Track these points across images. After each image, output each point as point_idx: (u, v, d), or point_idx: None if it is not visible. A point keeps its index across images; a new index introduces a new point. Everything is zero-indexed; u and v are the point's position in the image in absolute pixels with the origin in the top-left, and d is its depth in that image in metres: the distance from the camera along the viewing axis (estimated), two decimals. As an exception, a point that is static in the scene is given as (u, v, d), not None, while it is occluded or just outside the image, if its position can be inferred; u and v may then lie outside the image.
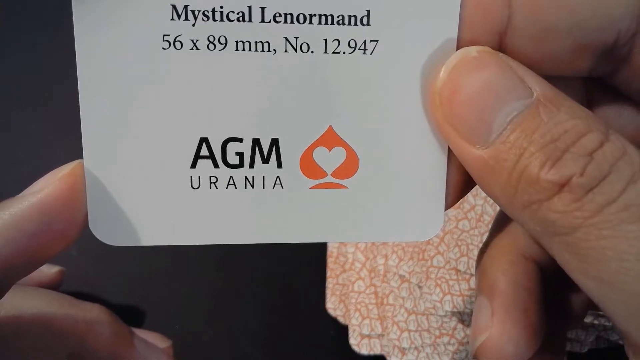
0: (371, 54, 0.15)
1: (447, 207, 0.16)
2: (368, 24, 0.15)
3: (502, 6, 0.14)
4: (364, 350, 0.31)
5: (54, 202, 0.14)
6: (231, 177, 0.15)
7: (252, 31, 0.15)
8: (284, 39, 0.15)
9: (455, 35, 0.15)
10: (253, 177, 0.16)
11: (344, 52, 0.15)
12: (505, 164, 0.14)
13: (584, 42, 0.14)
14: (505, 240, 0.18)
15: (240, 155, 0.15)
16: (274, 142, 0.15)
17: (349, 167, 0.16)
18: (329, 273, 0.34)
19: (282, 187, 0.16)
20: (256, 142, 0.15)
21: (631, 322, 0.13)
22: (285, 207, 0.16)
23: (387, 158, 0.16)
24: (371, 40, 0.15)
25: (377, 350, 0.31)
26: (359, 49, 0.15)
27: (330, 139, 0.15)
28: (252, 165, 0.15)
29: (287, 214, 0.16)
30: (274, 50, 0.15)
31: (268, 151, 0.15)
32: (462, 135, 0.14)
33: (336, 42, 0.15)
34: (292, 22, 0.15)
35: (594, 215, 0.13)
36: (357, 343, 0.31)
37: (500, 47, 0.15)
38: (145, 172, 0.15)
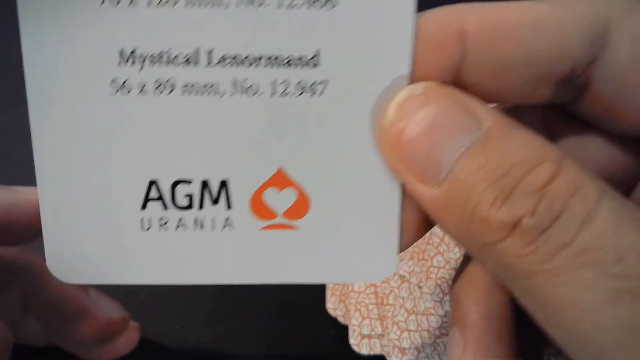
0: (320, 95, 0.15)
1: (402, 249, 0.16)
2: (317, 65, 0.14)
3: (455, 43, 0.14)
4: (364, 350, 0.31)
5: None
6: (180, 218, 0.15)
7: (199, 74, 0.14)
8: (231, 82, 0.14)
9: (406, 72, 0.14)
10: (203, 218, 0.15)
11: (292, 94, 0.15)
12: (457, 202, 0.13)
13: (541, 73, 0.14)
14: (476, 269, 0.17)
15: (190, 196, 0.15)
16: (223, 184, 0.15)
17: (300, 208, 0.15)
18: (329, 273, 0.34)
19: (232, 228, 0.15)
20: (205, 183, 0.15)
21: None
22: (235, 248, 0.16)
23: (339, 199, 0.15)
24: (320, 82, 0.14)
25: (377, 350, 0.31)
26: (307, 91, 0.15)
27: (280, 180, 0.15)
28: (201, 207, 0.15)
29: (237, 255, 0.16)
30: (222, 93, 0.14)
31: (217, 192, 0.15)
32: (414, 174, 0.14)
33: (284, 84, 0.14)
34: (239, 64, 0.14)
35: (549, 260, 0.12)
36: (357, 343, 0.31)
37: (456, 82, 0.14)
38: (98, 214, 0.15)
